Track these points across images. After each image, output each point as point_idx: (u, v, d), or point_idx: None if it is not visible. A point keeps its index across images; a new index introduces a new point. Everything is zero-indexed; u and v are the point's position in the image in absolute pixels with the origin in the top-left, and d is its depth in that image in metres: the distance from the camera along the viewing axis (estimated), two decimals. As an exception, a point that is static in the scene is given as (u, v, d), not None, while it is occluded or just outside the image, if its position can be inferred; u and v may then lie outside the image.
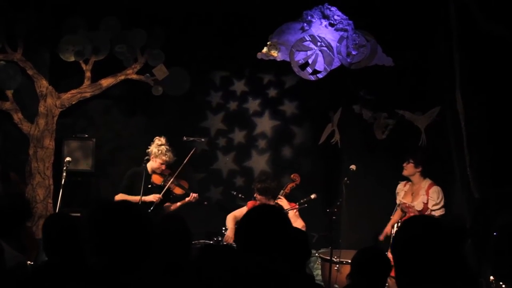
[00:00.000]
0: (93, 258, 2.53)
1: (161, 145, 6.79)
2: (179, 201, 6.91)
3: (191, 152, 6.86)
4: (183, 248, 3.57)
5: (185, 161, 6.81)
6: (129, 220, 2.49)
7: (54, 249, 3.38)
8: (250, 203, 6.78)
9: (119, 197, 6.67)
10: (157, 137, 6.87)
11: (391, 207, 7.00)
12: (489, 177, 6.35)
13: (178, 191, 6.90)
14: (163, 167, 6.81)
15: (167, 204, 6.92)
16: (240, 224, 2.87)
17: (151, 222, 2.59)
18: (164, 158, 6.75)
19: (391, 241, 6.80)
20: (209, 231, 7.21)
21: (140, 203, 6.39)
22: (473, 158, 6.35)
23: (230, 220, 6.81)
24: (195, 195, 6.83)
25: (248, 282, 2.39)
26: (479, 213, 6.31)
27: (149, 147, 6.88)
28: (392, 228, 6.86)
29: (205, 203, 7.13)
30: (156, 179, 6.85)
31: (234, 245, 6.38)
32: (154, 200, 6.63)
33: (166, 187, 6.74)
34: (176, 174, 6.79)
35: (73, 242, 3.35)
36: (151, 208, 6.50)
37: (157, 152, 6.77)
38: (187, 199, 6.84)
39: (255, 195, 6.69)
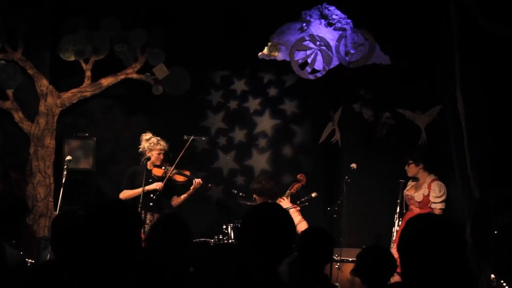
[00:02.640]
0: (82, 256, 2.58)
1: (149, 138, 6.88)
2: (184, 192, 6.92)
3: (188, 143, 6.88)
4: (183, 246, 3.58)
5: (182, 151, 6.80)
6: (117, 219, 2.53)
7: (63, 248, 3.36)
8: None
9: (123, 194, 6.76)
10: (142, 134, 6.97)
11: (392, 206, 7.01)
12: (489, 177, 6.36)
13: (180, 178, 6.90)
14: (162, 156, 6.87)
15: (174, 197, 6.94)
16: (242, 223, 2.85)
17: (140, 220, 2.63)
18: (158, 147, 6.83)
19: (392, 237, 6.85)
20: (210, 229, 7.22)
21: (143, 193, 6.46)
22: (474, 157, 6.36)
23: None
24: (198, 180, 6.84)
25: (249, 283, 2.40)
26: (479, 213, 6.32)
27: (139, 147, 6.95)
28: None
29: (209, 185, 7.10)
30: (157, 171, 6.88)
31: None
32: (158, 188, 6.68)
33: (167, 176, 6.76)
34: (175, 164, 6.81)
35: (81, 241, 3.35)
36: (155, 197, 6.62)
37: (150, 146, 6.85)
38: (191, 188, 6.84)
39: (254, 196, 6.72)
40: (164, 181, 6.73)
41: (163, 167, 6.89)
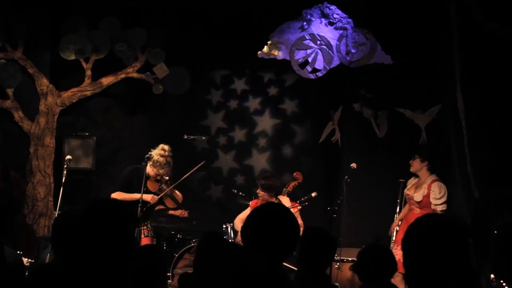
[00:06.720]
0: (80, 254, 2.58)
1: (162, 156, 6.41)
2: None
3: (199, 165, 6.69)
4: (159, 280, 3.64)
5: (186, 175, 6.62)
6: (113, 218, 2.54)
7: (62, 246, 3.35)
8: (253, 203, 6.76)
9: (116, 195, 6.40)
10: (162, 145, 6.49)
11: (392, 205, 7.01)
12: (489, 176, 6.35)
13: (169, 203, 6.69)
14: (157, 177, 6.54)
15: (158, 207, 6.76)
16: (246, 223, 2.84)
17: (135, 220, 2.64)
18: (159, 170, 6.44)
19: (392, 237, 6.84)
20: (210, 229, 7.20)
21: (140, 201, 6.25)
22: (474, 157, 6.35)
23: (239, 223, 6.73)
24: (185, 213, 6.73)
25: (252, 283, 2.40)
26: (479, 212, 6.31)
27: (152, 149, 6.48)
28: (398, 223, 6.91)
29: (194, 222, 6.94)
30: (151, 185, 6.57)
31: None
32: (151, 202, 6.43)
33: (160, 195, 6.52)
34: (172, 186, 6.56)
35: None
36: (145, 208, 6.37)
37: (156, 162, 6.42)
38: (175, 212, 6.76)
39: (257, 191, 6.65)
40: (158, 197, 6.50)
41: (158, 182, 6.58)
